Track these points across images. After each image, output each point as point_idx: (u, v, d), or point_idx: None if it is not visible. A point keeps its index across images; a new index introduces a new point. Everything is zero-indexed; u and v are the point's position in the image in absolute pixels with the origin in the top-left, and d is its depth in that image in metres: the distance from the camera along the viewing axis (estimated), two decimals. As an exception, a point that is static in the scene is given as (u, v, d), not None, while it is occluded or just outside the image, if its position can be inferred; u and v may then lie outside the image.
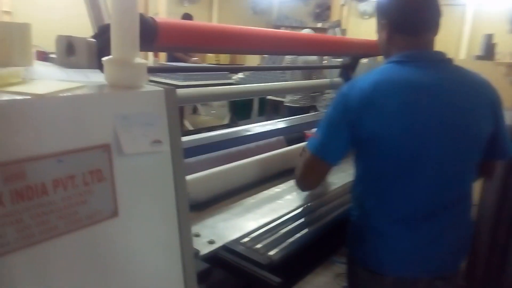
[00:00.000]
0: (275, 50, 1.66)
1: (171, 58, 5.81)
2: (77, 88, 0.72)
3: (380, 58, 2.56)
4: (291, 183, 1.56)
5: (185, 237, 0.86)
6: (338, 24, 2.57)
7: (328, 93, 2.66)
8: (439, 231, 1.16)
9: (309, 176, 1.23)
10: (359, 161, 1.21)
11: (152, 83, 0.84)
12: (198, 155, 1.64)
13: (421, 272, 1.17)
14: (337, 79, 2.57)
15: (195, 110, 6.93)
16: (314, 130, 3.37)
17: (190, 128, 5.64)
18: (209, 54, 8.83)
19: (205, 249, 1.01)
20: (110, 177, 0.73)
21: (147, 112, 0.79)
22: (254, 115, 7.04)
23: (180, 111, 5.46)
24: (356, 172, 1.23)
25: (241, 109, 6.69)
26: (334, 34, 2.66)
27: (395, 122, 1.08)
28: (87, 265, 0.71)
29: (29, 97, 0.63)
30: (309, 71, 4.15)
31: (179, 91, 1.74)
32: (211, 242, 1.04)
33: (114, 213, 0.74)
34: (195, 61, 6.11)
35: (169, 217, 0.84)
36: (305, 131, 3.08)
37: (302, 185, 1.30)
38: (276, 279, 0.92)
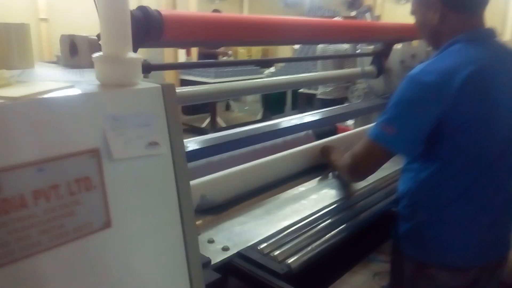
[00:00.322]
0: (297, 39, 1.55)
1: (201, 56, 5.79)
2: (61, 88, 0.66)
3: (415, 42, 2.39)
4: (318, 181, 1.46)
5: (192, 247, 0.79)
6: (368, 9, 2.41)
7: (360, 83, 2.50)
8: (508, 214, 1.17)
9: (371, 166, 1.14)
10: (435, 156, 1.09)
11: (147, 80, 0.77)
12: (226, 151, 1.57)
13: (496, 255, 1.19)
14: (369, 68, 2.42)
15: (228, 107, 6.91)
16: (349, 122, 3.22)
17: (223, 125, 5.61)
18: (240, 50, 8.81)
19: (217, 257, 0.93)
20: (101, 185, 0.66)
21: (142, 111, 0.72)
22: (288, 109, 6.93)
23: (212, 108, 5.46)
24: (425, 168, 1.12)
25: (274, 104, 6.60)
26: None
27: (490, 108, 1.03)
28: (77, 282, 0.64)
29: (2, 101, 0.57)
30: (341, 61, 3.98)
31: (206, 87, 1.69)
32: (225, 249, 0.96)
33: (107, 224, 0.67)
34: (222, 52, 5.93)
35: (172, 226, 0.76)
36: (337, 124, 2.95)
37: (356, 174, 1.20)
38: (294, 291, 0.83)
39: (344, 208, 1.24)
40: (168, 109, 0.75)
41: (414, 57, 2.39)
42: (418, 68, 1.07)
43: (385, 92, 2.47)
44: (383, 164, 1.12)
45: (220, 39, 1.17)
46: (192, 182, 1.19)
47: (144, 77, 0.85)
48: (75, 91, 0.66)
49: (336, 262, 1.12)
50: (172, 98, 0.76)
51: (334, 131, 2.88)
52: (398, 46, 2.46)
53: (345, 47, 4.01)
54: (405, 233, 1.18)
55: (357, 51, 3.70)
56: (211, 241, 0.99)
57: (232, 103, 6.87)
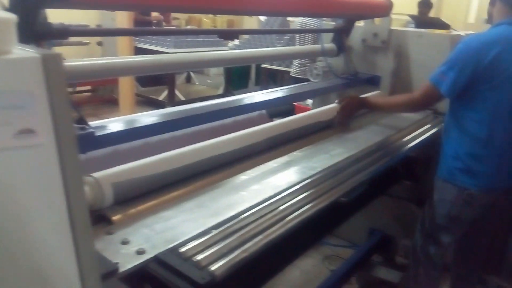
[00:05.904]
0: (237, 9, 1.38)
1: (136, 23, 5.41)
2: None
3: (378, 20, 2.27)
4: (264, 167, 1.34)
5: (86, 260, 0.64)
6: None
7: (320, 61, 2.37)
8: None
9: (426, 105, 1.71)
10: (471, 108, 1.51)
11: (26, 49, 0.60)
12: (176, 129, 1.43)
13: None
14: (329, 45, 2.29)
15: (189, 79, 6.65)
16: (309, 101, 3.08)
17: (182, 98, 5.38)
18: (205, 20, 8.45)
19: (129, 263, 0.79)
20: None
21: (11, 89, 0.55)
22: (252, 84, 6.76)
23: (171, 80, 5.20)
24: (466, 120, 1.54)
25: (238, 79, 6.40)
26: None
27: None
28: None
29: None
30: (314, 38, 3.82)
31: (160, 56, 1.49)
32: (140, 252, 0.82)
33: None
34: (156, 18, 5.55)
35: (57, 234, 0.61)
36: (296, 103, 2.82)
37: (414, 109, 1.82)
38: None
39: (287, 200, 1.12)
40: (51, 86, 0.58)
41: (376, 36, 2.28)
42: (472, 34, 1.53)
43: (345, 71, 2.35)
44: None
45: (142, 3, 0.99)
46: (115, 169, 1.04)
47: (59, 44, 0.68)
48: None
49: (273, 260, 1.00)
50: (57, 72, 0.59)
51: (292, 111, 2.75)
52: (360, 24, 2.34)
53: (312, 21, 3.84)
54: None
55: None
56: (125, 242, 0.84)
57: (193, 75, 6.61)
